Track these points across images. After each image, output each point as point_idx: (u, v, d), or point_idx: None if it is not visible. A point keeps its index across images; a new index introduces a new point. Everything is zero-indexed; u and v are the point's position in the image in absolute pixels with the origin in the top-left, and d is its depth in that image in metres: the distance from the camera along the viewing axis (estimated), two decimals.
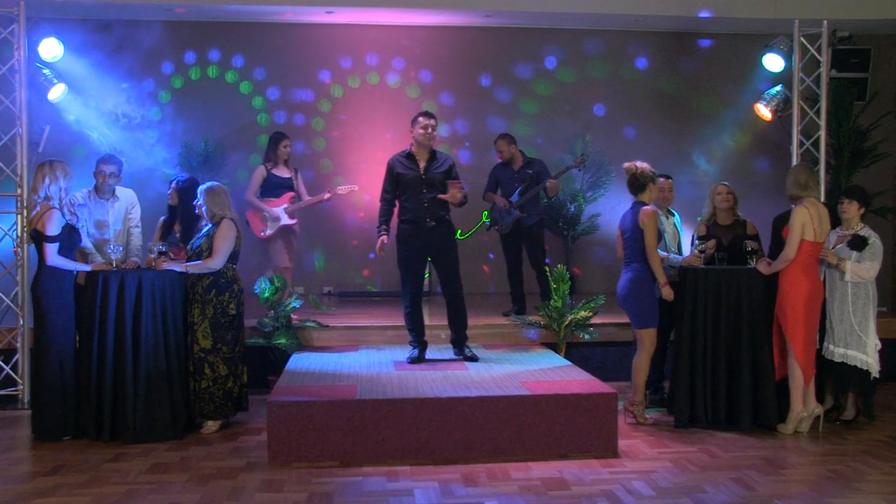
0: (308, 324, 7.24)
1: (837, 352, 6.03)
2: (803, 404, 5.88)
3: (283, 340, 6.91)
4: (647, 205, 6.01)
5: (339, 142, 10.32)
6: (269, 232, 7.71)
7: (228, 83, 10.00)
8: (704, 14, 8.67)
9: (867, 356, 5.99)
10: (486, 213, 8.22)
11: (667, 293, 5.97)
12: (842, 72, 9.23)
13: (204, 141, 9.40)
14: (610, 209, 9.88)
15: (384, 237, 6.54)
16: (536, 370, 6.21)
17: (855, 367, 6.00)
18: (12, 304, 6.93)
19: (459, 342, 6.66)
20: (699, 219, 6.70)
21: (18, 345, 6.86)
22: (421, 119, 6.53)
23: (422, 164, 6.52)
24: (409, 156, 6.57)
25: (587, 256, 10.32)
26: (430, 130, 6.49)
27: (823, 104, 7.63)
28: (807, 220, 5.81)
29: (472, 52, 10.30)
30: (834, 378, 6.16)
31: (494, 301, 8.96)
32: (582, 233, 10.12)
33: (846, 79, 9.33)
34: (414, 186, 6.49)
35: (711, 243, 6.37)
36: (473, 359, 6.54)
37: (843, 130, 9.01)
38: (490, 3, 9.09)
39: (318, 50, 10.17)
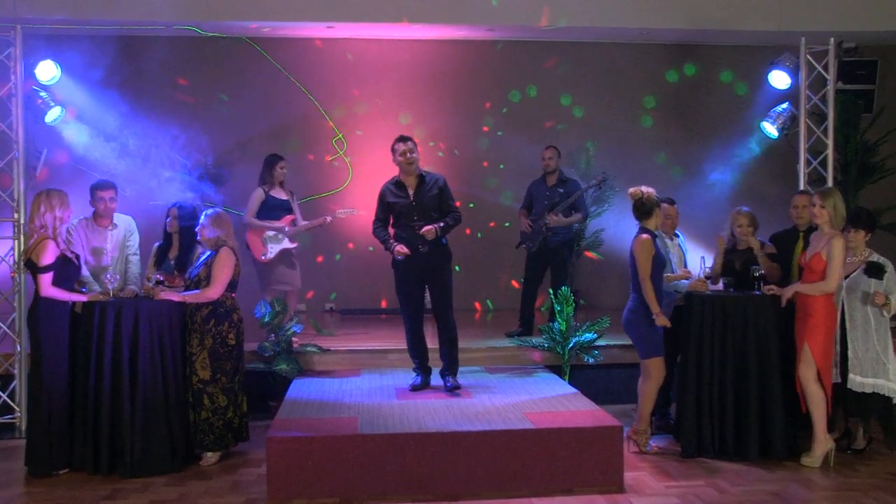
0: (309, 349, 7.14)
1: (867, 382, 5.82)
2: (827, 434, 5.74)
3: (283, 366, 6.82)
4: (644, 232, 5.90)
5: (340, 158, 10.22)
6: (269, 255, 7.55)
7: (229, 100, 9.91)
8: None
9: (892, 382, 5.83)
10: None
11: (661, 321, 5.84)
12: (848, 84, 9.02)
13: (204, 160, 9.31)
14: (614, 224, 9.74)
15: (398, 246, 6.26)
16: (540, 399, 6.10)
17: (881, 394, 5.84)
18: (9, 331, 6.84)
19: (445, 370, 6.47)
20: (723, 232, 6.59)
21: (16, 371, 6.78)
22: (397, 146, 6.32)
23: (411, 191, 6.35)
24: (398, 183, 6.40)
25: (592, 272, 10.19)
26: (408, 155, 6.28)
27: (830, 124, 7.49)
28: (844, 251, 5.67)
29: (474, 66, 10.20)
30: (856, 408, 5.95)
31: (498, 321, 8.84)
32: (586, 248, 10.00)
33: (853, 91, 9.16)
34: (406, 214, 6.33)
35: (719, 261, 6.31)
36: (455, 388, 6.29)
37: (850, 145, 8.86)
38: (493, 18, 8.97)
39: (320, 65, 10.08)
